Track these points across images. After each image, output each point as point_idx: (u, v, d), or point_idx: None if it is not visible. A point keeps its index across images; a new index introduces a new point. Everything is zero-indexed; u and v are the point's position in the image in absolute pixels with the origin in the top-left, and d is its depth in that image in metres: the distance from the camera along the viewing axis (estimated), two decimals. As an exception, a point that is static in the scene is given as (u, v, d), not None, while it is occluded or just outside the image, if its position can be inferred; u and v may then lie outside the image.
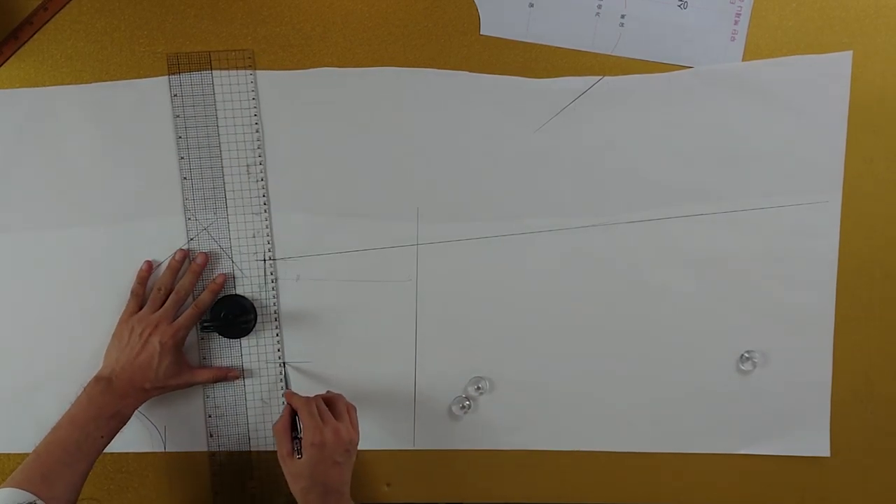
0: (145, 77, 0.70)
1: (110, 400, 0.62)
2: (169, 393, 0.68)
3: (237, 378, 0.71)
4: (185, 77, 0.69)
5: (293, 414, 0.63)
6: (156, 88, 0.69)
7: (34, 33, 0.69)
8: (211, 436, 0.71)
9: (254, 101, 0.70)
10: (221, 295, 0.70)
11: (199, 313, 0.68)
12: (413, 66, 0.71)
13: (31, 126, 0.69)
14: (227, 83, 0.69)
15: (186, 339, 0.68)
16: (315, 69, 0.70)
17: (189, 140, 0.69)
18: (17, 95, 0.69)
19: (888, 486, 0.75)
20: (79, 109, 0.69)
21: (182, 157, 0.69)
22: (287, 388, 0.70)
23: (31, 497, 0.54)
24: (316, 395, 0.65)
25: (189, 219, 0.70)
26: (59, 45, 0.69)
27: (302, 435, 0.61)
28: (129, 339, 0.65)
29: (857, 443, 0.74)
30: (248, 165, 0.70)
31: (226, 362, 0.71)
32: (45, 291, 0.70)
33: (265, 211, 0.70)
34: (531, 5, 0.70)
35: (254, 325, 0.70)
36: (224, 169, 0.70)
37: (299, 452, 0.61)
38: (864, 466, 0.74)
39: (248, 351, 0.71)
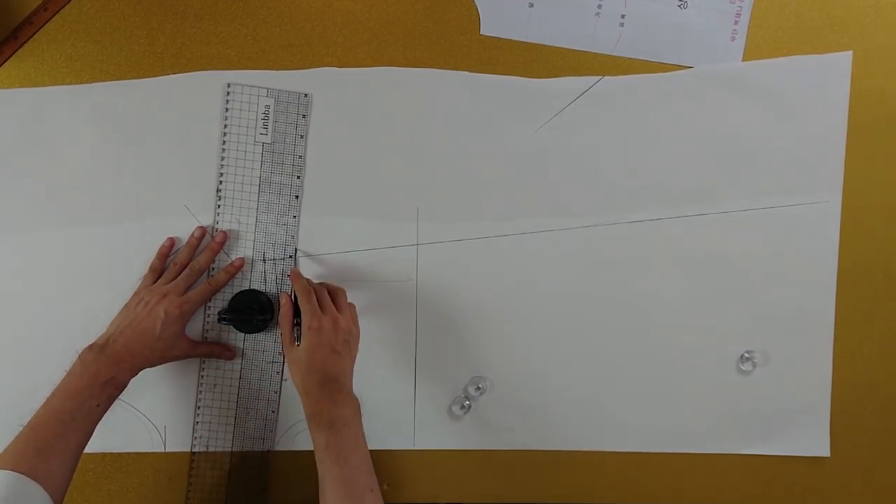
0: (145, 77, 0.70)
1: (104, 365, 0.61)
2: (166, 364, 0.67)
3: (231, 358, 0.70)
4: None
5: (296, 301, 0.63)
6: (156, 88, 0.70)
7: (34, 33, 0.69)
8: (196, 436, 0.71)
9: (263, 105, 0.70)
10: (241, 289, 0.70)
11: (210, 291, 0.68)
12: (413, 66, 0.71)
13: (31, 126, 0.69)
14: (225, 84, 0.70)
15: (191, 328, 0.68)
16: (315, 69, 0.70)
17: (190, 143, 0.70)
18: (17, 95, 0.69)
19: (888, 486, 0.75)
20: (79, 109, 0.69)
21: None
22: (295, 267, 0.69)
23: (23, 478, 0.52)
24: (319, 283, 0.65)
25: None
26: (59, 45, 0.69)
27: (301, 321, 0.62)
28: (136, 308, 0.65)
29: (857, 443, 0.74)
30: (248, 166, 0.70)
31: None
32: (45, 291, 0.70)
33: (266, 211, 0.70)
34: (531, 5, 0.70)
35: (268, 324, 0.70)
36: (223, 169, 0.70)
37: (299, 339, 0.61)
38: (864, 466, 0.74)
39: (248, 348, 0.71)
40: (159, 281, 0.68)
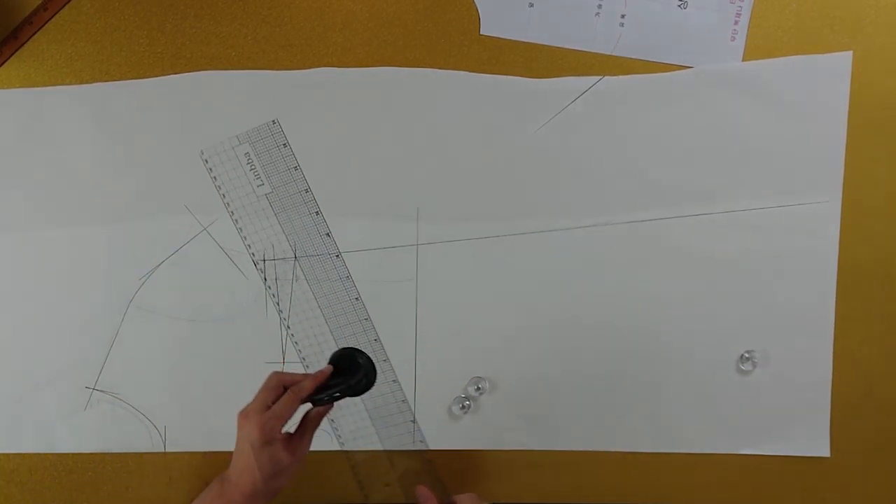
0: (145, 77, 0.70)
1: (220, 500, 0.56)
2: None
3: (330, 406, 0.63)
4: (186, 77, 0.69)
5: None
6: (156, 88, 0.70)
7: (34, 33, 0.69)
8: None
9: (253, 101, 0.70)
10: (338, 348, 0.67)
11: (295, 400, 0.58)
12: (413, 66, 0.71)
13: (31, 126, 0.69)
14: (225, 84, 0.70)
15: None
16: (315, 69, 0.70)
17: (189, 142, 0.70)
18: (17, 95, 0.69)
19: (888, 486, 0.75)
20: (79, 109, 0.69)
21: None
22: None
23: None
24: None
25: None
26: (59, 45, 0.69)
27: None
28: (237, 436, 0.58)
29: (857, 443, 0.74)
30: (248, 166, 0.70)
31: (222, 356, 0.71)
32: (45, 291, 0.70)
33: (265, 212, 0.70)
34: (531, 5, 0.70)
35: (373, 381, 0.62)
36: (223, 169, 0.70)
37: None
38: (864, 466, 0.74)
39: (248, 349, 0.71)
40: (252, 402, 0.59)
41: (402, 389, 0.71)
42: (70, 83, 0.70)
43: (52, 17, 0.69)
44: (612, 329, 0.72)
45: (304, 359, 0.71)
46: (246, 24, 0.70)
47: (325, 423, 0.71)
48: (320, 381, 0.60)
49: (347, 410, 0.71)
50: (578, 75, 0.71)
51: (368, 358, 0.63)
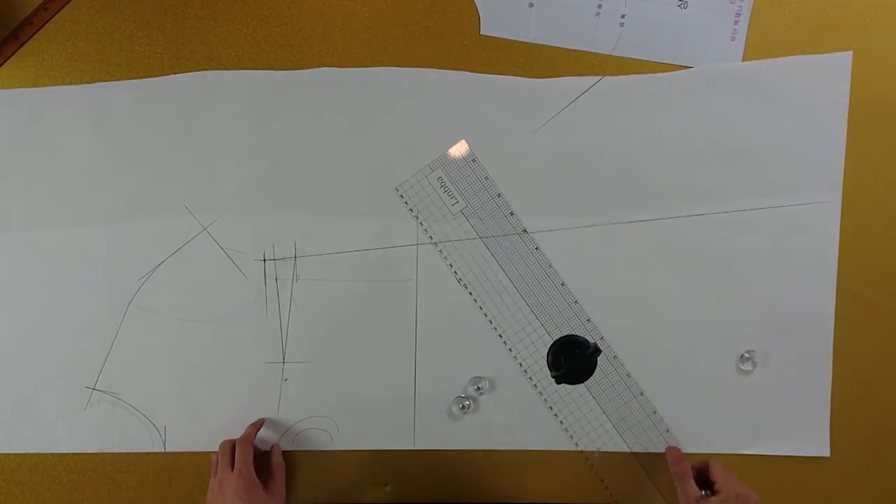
0: (145, 77, 0.70)
1: None
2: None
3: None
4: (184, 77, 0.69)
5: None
6: (156, 88, 0.70)
7: (34, 33, 0.69)
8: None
9: (253, 101, 0.70)
10: (554, 339, 0.72)
11: (247, 444, 0.66)
12: (413, 66, 0.71)
13: (31, 126, 0.69)
14: (225, 84, 0.70)
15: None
16: (315, 69, 0.70)
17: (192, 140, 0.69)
18: (17, 95, 0.69)
19: (888, 486, 0.75)
20: (79, 109, 0.69)
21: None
22: None
23: None
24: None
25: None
26: (59, 45, 0.69)
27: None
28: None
29: (857, 443, 0.74)
30: (248, 166, 0.70)
31: (222, 356, 0.71)
32: (45, 291, 0.70)
33: (265, 211, 0.70)
34: (531, 5, 0.70)
35: (598, 356, 0.71)
36: (224, 169, 0.70)
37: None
38: (864, 466, 0.74)
39: (248, 349, 0.71)
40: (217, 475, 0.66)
41: (637, 383, 0.72)
42: (70, 83, 0.70)
43: (52, 17, 0.69)
44: (611, 329, 0.72)
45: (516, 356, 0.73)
46: (246, 24, 0.70)
47: (552, 417, 0.73)
48: (258, 426, 0.70)
49: (576, 406, 0.73)
50: (578, 75, 0.71)
51: (586, 343, 0.71)
